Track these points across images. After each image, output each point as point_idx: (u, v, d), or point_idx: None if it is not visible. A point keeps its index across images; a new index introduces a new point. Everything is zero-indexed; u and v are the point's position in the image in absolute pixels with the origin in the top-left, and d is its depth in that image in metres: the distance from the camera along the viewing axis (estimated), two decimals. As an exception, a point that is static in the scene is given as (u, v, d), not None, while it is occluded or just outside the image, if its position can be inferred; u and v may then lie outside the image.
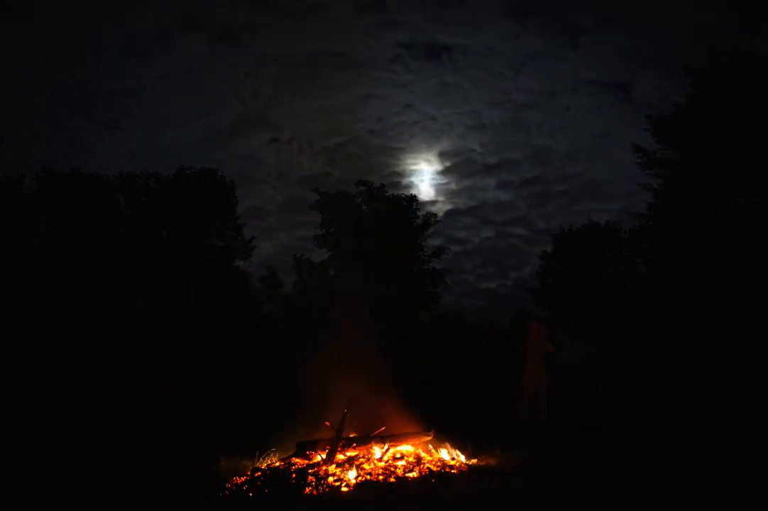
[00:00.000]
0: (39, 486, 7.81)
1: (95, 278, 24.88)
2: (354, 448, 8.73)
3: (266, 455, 8.86)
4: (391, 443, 8.99)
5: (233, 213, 29.63)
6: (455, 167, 63.67)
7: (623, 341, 30.04)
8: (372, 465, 8.13)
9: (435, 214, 32.28)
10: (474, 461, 9.13)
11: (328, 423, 8.91)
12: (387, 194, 31.29)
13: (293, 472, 7.70)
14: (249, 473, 7.92)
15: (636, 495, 7.00)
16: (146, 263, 26.66)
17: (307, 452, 8.53)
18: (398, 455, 8.65)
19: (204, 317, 26.91)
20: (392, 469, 8.02)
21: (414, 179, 53.11)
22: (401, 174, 53.09)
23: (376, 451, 8.73)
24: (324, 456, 8.22)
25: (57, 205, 25.75)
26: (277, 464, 8.39)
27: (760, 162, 19.85)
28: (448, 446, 9.37)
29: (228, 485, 7.51)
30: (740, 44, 21.21)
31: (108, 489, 7.57)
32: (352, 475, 7.68)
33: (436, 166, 57.36)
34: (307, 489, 7.17)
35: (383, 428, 9.24)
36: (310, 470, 7.73)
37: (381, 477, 7.70)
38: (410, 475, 7.86)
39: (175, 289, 26.88)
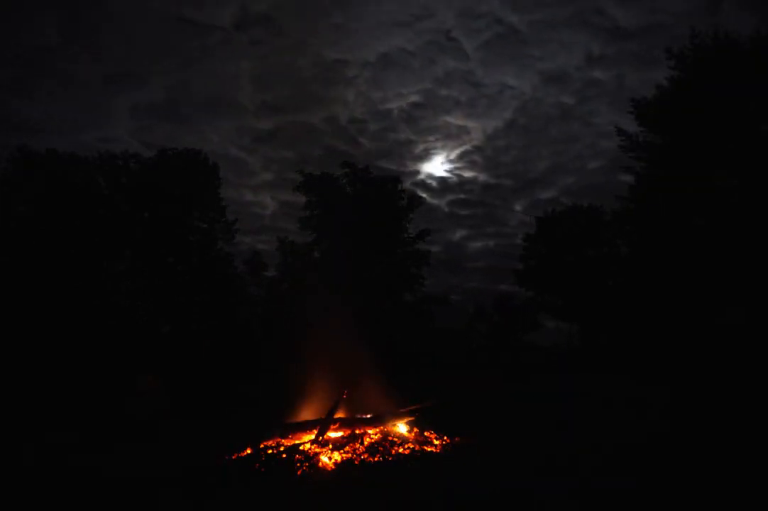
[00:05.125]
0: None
1: (76, 259, 24.56)
2: (340, 429, 8.86)
3: (257, 435, 8.95)
4: (376, 424, 9.13)
5: (216, 194, 29.29)
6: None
7: (605, 322, 30.55)
8: (357, 445, 8.26)
9: (419, 197, 32.28)
10: (457, 439, 9.29)
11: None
12: (371, 176, 31.16)
13: (283, 452, 7.82)
14: (237, 451, 8.05)
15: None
16: (128, 244, 26.37)
17: (291, 434, 8.66)
18: (383, 435, 8.79)
19: (184, 300, 26.81)
20: (377, 447, 8.16)
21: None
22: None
23: (362, 431, 8.86)
24: (311, 437, 8.34)
25: (34, 186, 25.25)
26: (268, 443, 8.49)
27: (736, 144, 20.01)
28: (430, 425, 9.53)
29: (220, 462, 7.67)
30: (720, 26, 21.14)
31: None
32: (336, 455, 7.81)
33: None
34: (297, 470, 7.29)
35: (369, 413, 9.38)
36: (297, 450, 7.85)
37: (365, 456, 7.83)
38: (394, 451, 8.02)
39: (157, 270, 26.70)
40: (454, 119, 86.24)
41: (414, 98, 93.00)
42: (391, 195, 30.97)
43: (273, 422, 9.24)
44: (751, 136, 19.94)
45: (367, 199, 29.85)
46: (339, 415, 9.14)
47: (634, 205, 23.91)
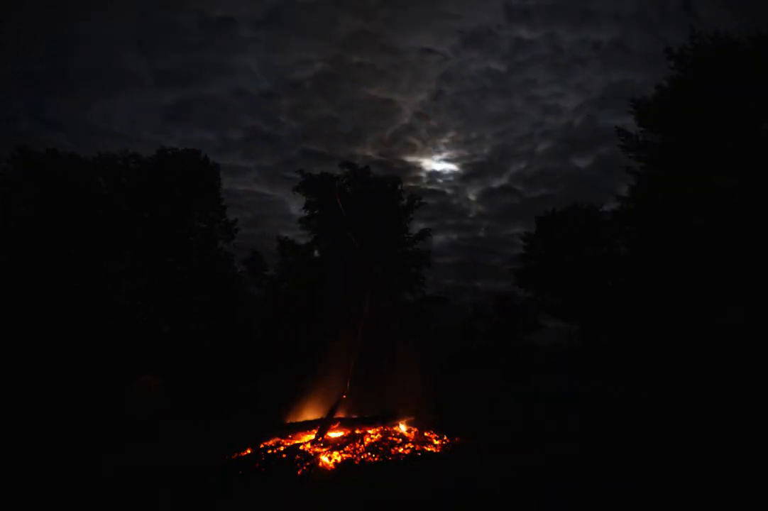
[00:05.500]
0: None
1: (76, 259, 24.55)
2: (340, 429, 8.86)
3: (257, 435, 8.95)
4: (376, 424, 9.13)
5: (216, 195, 29.30)
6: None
7: (605, 322, 30.54)
8: (357, 445, 8.26)
9: (420, 197, 32.23)
10: (457, 439, 9.29)
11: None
12: (371, 176, 31.14)
13: (283, 452, 7.81)
14: (237, 451, 8.05)
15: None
16: (128, 244, 26.36)
17: (291, 434, 8.66)
18: (383, 435, 8.79)
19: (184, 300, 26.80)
20: (377, 447, 8.16)
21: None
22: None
23: (362, 431, 8.86)
24: (311, 437, 8.34)
25: (34, 186, 25.24)
26: (268, 443, 8.49)
27: (737, 144, 19.99)
28: (430, 425, 9.52)
29: (220, 462, 7.67)
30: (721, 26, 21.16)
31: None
32: (336, 455, 7.81)
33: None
34: (297, 470, 7.29)
35: (368, 413, 9.38)
36: (297, 450, 7.85)
37: (365, 455, 7.83)
38: (394, 451, 8.01)
39: (157, 271, 26.69)
40: (377, 93, 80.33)
41: (322, 66, 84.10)
42: (391, 195, 30.94)
43: (273, 422, 9.25)
44: (751, 136, 19.93)
45: (367, 199, 29.81)
46: (339, 415, 9.14)
47: (634, 205, 23.90)
